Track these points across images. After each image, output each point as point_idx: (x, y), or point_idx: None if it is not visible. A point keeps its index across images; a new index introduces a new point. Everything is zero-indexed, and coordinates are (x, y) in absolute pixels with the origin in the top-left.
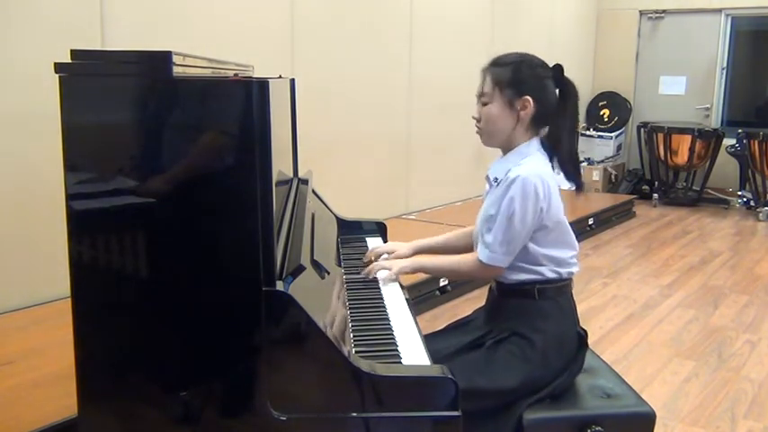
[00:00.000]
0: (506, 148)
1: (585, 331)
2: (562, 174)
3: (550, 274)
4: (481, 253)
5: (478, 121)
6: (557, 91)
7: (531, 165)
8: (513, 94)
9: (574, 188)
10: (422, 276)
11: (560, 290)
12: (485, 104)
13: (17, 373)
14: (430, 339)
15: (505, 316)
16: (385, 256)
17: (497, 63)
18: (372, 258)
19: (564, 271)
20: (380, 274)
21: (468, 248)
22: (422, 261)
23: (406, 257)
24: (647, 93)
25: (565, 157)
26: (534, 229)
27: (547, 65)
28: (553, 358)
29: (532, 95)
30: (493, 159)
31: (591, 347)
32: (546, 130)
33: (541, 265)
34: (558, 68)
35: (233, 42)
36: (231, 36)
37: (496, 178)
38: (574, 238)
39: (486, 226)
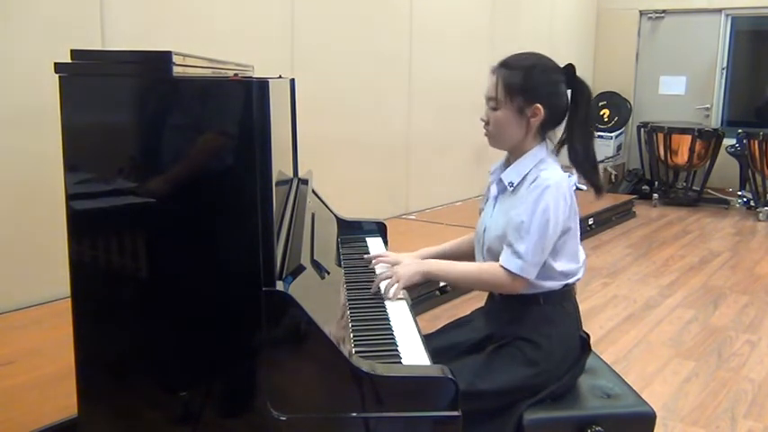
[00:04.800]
0: (515, 151)
1: (588, 335)
2: (579, 175)
3: (557, 287)
4: (511, 263)
5: (487, 123)
6: (569, 92)
7: (555, 171)
8: (523, 101)
9: (593, 191)
10: None
11: (565, 295)
12: (494, 109)
13: (17, 373)
14: (428, 339)
15: (508, 320)
16: (387, 266)
17: (508, 65)
18: (374, 268)
19: (570, 280)
20: (388, 290)
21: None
22: (433, 267)
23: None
24: (647, 93)
25: (580, 158)
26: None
27: (559, 67)
28: (557, 362)
29: (543, 102)
30: (494, 160)
31: (591, 347)
32: (554, 132)
33: (552, 279)
34: (570, 69)
35: (233, 42)
36: (231, 36)
37: (512, 182)
38: (581, 247)
39: (516, 234)
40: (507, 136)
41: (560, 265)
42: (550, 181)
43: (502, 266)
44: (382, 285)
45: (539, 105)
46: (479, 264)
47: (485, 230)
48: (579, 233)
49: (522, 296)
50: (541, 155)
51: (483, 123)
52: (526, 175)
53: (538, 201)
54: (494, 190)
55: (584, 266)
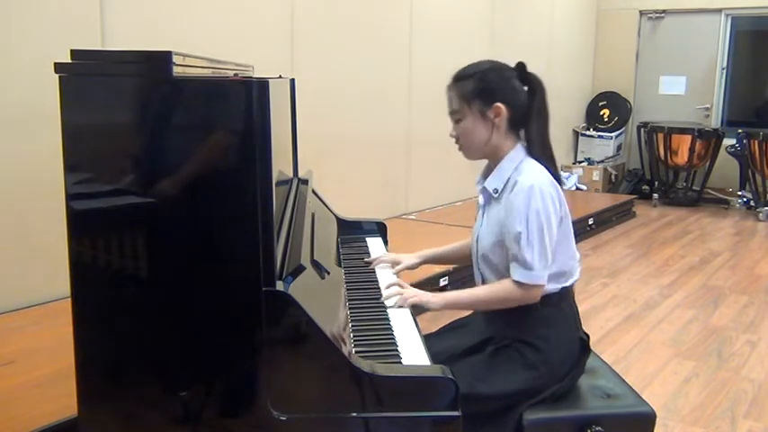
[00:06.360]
0: (493, 157)
1: (588, 335)
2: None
3: (554, 290)
4: (522, 275)
5: (457, 139)
6: (525, 89)
7: (534, 170)
8: (482, 104)
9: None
10: (421, 275)
11: (563, 296)
12: (458, 121)
13: (17, 373)
14: (427, 341)
15: (507, 323)
16: (387, 266)
17: (460, 77)
18: (374, 268)
19: (567, 283)
20: (407, 303)
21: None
22: (453, 296)
23: (413, 267)
24: (647, 93)
25: (537, 151)
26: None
27: (509, 66)
28: (556, 365)
29: (502, 101)
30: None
31: (591, 348)
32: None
33: (548, 282)
34: (521, 66)
35: (233, 42)
36: (231, 36)
37: (496, 189)
38: (574, 244)
39: (517, 246)
40: (478, 143)
41: (554, 266)
42: (532, 182)
43: (515, 281)
44: (393, 299)
45: (499, 104)
46: (490, 286)
47: (477, 240)
48: (571, 227)
49: None
50: (519, 156)
51: (454, 140)
52: (508, 179)
53: (528, 206)
54: (481, 200)
55: (580, 267)
